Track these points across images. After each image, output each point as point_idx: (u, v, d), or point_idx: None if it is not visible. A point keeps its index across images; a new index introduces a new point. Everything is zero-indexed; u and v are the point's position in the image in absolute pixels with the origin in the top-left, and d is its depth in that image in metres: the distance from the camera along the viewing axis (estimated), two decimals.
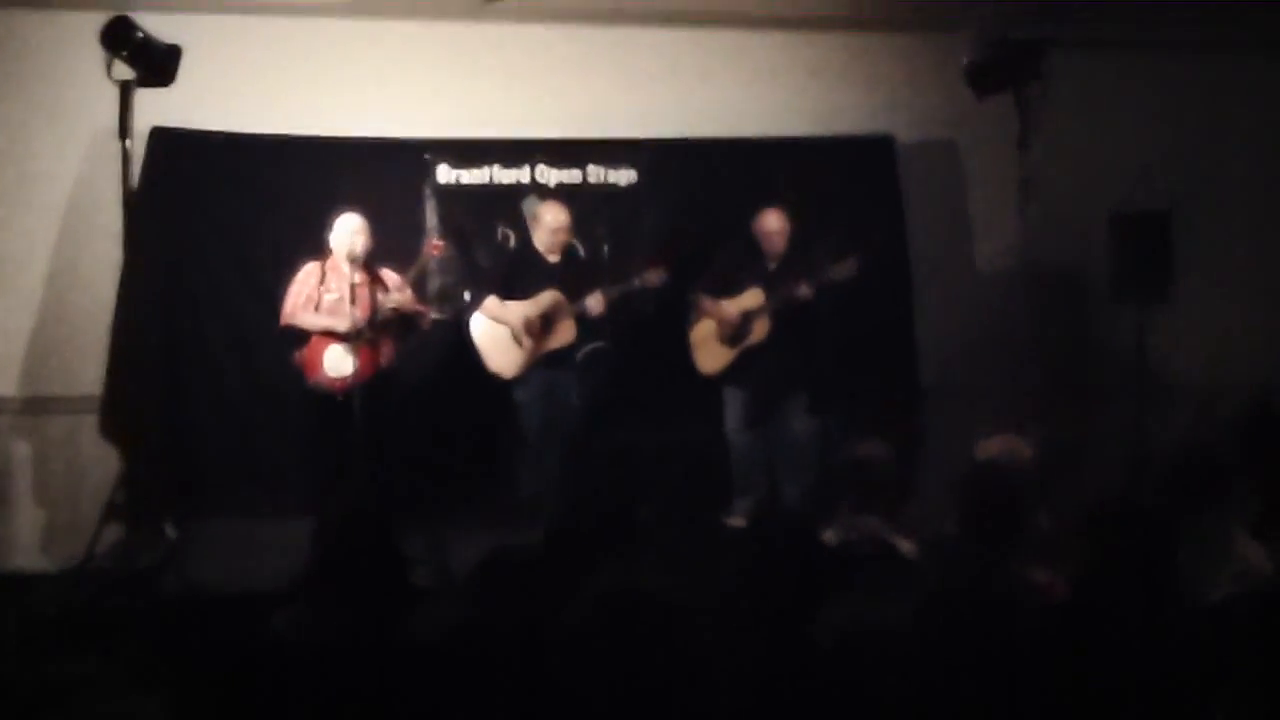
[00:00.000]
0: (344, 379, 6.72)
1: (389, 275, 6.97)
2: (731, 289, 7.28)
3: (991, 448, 4.63)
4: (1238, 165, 8.28)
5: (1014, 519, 4.10)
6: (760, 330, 7.18)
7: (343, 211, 6.91)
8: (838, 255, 7.05)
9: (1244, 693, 3.02)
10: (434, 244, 7.22)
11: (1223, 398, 7.10)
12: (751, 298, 7.21)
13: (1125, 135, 8.09)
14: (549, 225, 7.25)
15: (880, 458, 4.81)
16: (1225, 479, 4.20)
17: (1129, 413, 7.58)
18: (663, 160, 7.89)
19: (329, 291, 6.86)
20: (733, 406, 7.36)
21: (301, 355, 6.84)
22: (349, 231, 6.85)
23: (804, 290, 7.04)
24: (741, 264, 7.33)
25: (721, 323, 7.27)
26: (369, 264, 6.89)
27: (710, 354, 7.32)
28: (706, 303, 7.30)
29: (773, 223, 7.26)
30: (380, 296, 6.84)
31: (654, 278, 7.21)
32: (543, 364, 7.19)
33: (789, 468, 7.26)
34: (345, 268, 6.79)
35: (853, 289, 7.11)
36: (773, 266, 7.27)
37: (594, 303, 7.13)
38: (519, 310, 7.17)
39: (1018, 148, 6.76)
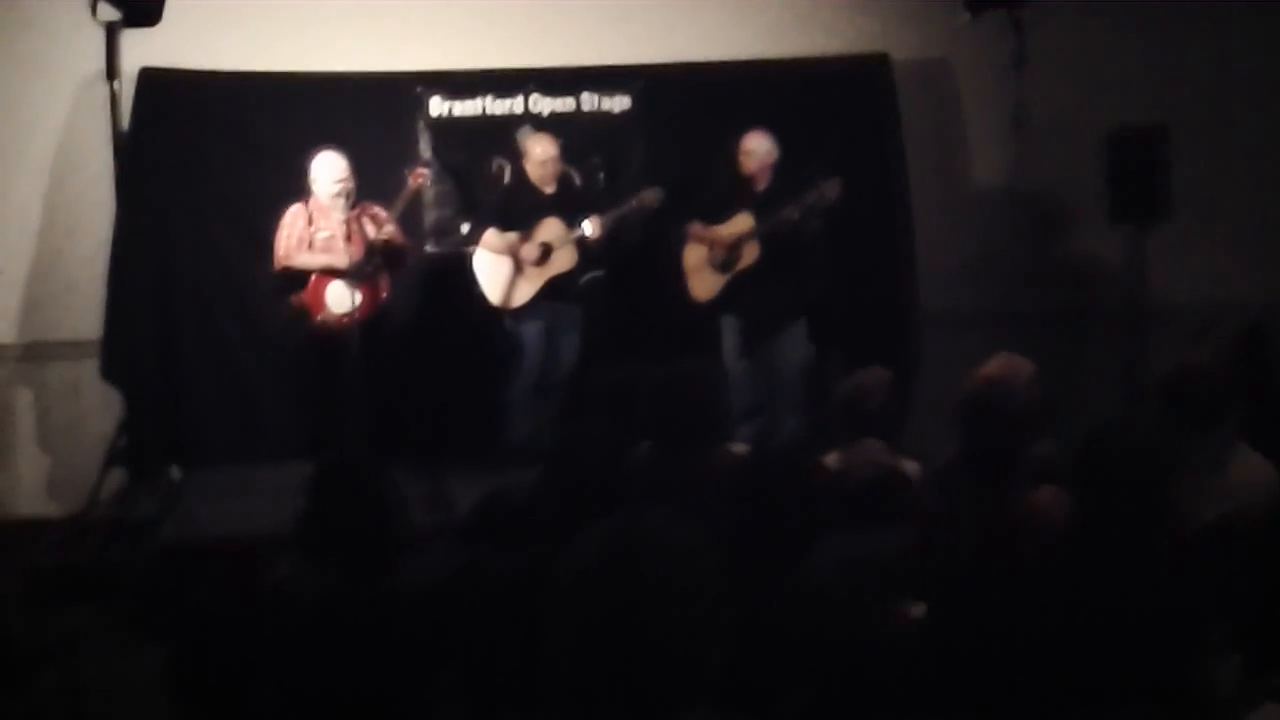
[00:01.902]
0: (349, 315, 6.70)
1: (377, 209, 6.92)
2: (720, 214, 7.20)
3: (993, 366, 4.62)
4: (1236, 81, 8.13)
5: (1017, 436, 4.09)
6: (750, 255, 7.09)
7: (321, 150, 6.85)
8: (825, 176, 6.92)
9: (1244, 610, 3.03)
10: (418, 172, 7.12)
11: (1221, 317, 7.05)
12: (740, 222, 7.12)
13: (1122, 52, 7.93)
14: (537, 158, 7.21)
15: (881, 381, 4.81)
16: (1224, 398, 4.19)
17: (1127, 333, 7.55)
18: (657, 86, 7.80)
19: (319, 230, 6.82)
20: (729, 333, 7.32)
21: (303, 297, 6.80)
22: (329, 168, 6.81)
23: (791, 213, 6.93)
24: (727, 189, 7.24)
25: (712, 248, 7.20)
26: (357, 199, 6.85)
27: (703, 281, 7.27)
28: (696, 228, 7.25)
29: (754, 145, 7.15)
30: (371, 230, 6.82)
31: (650, 197, 7.16)
32: (544, 294, 7.17)
33: (791, 393, 7.23)
34: (330, 205, 6.77)
35: (851, 212, 7.05)
36: (759, 190, 7.17)
37: (591, 226, 7.09)
38: (518, 239, 7.15)
39: (1013, 67, 6.68)
